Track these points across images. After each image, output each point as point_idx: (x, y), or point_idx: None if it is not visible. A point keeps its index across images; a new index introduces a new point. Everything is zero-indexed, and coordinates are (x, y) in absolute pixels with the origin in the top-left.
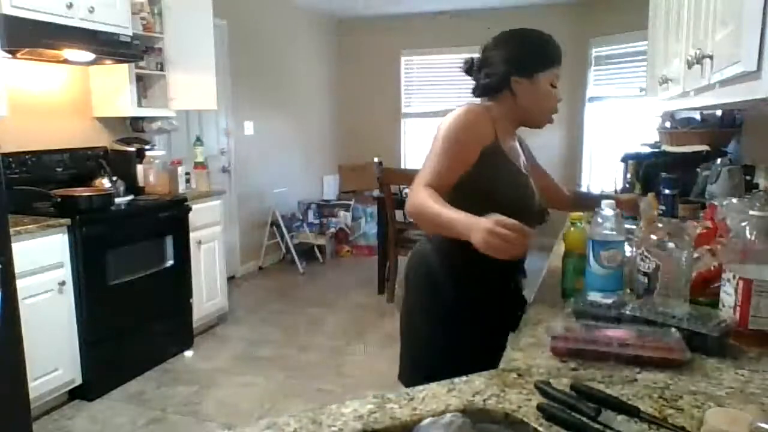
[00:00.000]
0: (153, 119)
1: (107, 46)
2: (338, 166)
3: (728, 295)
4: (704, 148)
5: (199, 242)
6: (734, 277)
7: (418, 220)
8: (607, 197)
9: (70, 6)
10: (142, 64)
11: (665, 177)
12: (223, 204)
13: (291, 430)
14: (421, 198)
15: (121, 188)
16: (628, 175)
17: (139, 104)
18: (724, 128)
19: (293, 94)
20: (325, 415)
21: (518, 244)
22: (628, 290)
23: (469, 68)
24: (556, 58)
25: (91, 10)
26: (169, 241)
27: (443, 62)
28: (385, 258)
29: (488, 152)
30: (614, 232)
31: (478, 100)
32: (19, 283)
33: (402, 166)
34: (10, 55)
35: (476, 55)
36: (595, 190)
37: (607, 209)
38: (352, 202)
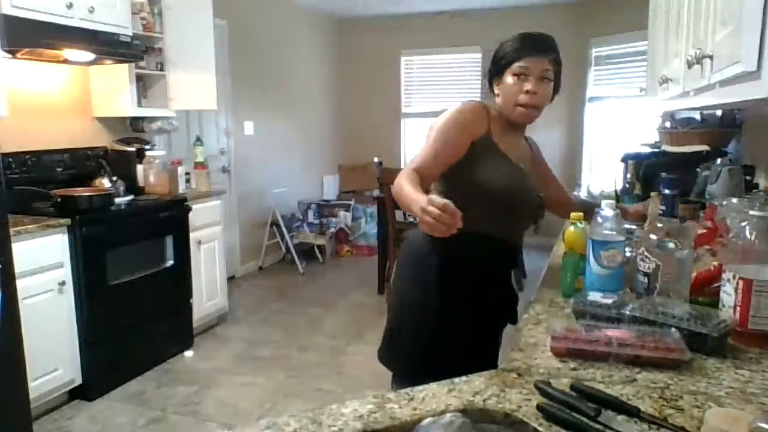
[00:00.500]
0: (153, 119)
1: (107, 46)
2: (338, 166)
3: (728, 295)
4: (704, 148)
5: (199, 242)
6: (734, 277)
7: (397, 200)
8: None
9: (70, 6)
10: (142, 64)
11: (665, 177)
12: (223, 204)
13: (291, 430)
14: (401, 180)
15: (121, 188)
16: (628, 175)
17: (139, 104)
18: (724, 128)
19: (293, 94)
20: (325, 415)
21: (448, 223)
22: (628, 290)
23: None
24: (522, 51)
25: (91, 10)
26: (169, 241)
27: (443, 62)
28: (385, 258)
29: (478, 144)
30: (614, 232)
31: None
32: (19, 283)
33: (402, 166)
34: (10, 55)
35: None
36: (595, 191)
37: (607, 209)
38: (352, 202)
